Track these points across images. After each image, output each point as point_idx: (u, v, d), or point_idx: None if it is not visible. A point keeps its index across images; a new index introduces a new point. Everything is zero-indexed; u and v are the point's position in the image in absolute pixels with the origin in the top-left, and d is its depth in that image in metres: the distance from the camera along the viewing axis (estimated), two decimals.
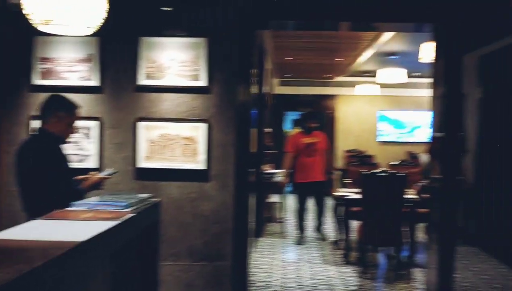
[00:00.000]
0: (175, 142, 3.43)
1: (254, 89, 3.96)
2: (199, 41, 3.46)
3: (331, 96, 11.52)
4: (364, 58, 8.13)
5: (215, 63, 3.43)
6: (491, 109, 6.41)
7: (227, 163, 3.43)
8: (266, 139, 7.57)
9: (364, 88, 10.23)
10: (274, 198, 8.28)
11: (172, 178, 3.45)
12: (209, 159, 3.42)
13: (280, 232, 7.07)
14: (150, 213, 2.35)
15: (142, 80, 3.50)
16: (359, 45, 7.17)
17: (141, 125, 3.48)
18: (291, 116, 13.05)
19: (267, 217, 8.04)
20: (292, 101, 11.55)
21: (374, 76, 8.90)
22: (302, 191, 6.48)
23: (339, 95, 11.49)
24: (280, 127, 11.68)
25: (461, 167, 7.11)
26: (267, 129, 7.71)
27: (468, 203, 6.69)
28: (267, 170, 7.71)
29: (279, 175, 7.51)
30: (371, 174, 4.88)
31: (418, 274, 4.90)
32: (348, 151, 10.62)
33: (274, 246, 6.23)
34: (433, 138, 3.64)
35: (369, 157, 8.93)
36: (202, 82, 3.45)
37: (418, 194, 5.26)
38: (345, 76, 10.89)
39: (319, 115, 6.95)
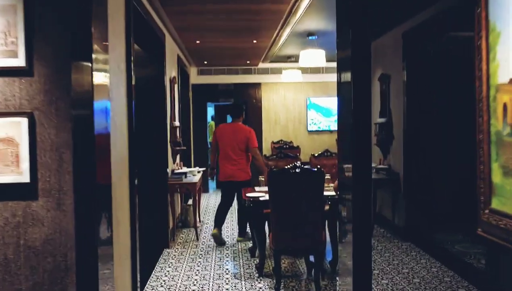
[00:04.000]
0: None
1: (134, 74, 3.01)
2: (13, 2, 2.44)
3: (255, 85, 10.68)
4: (283, 39, 7.33)
5: (41, 32, 2.43)
6: (415, 93, 5.80)
7: (61, 173, 2.44)
8: (174, 134, 6.60)
9: (290, 74, 9.44)
10: (189, 201, 7.37)
11: None
12: (35, 167, 2.42)
13: (194, 240, 6.16)
14: None
15: None
16: (274, 23, 6.33)
17: None
18: (211, 107, 12.16)
19: (182, 222, 7.12)
20: (213, 92, 10.62)
21: (297, 61, 8.14)
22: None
23: (263, 83, 10.68)
24: (202, 120, 10.72)
25: (387, 155, 6.50)
26: (175, 123, 6.74)
27: (395, 194, 6.09)
28: (178, 169, 6.76)
29: (191, 173, 6.59)
30: (279, 170, 4.06)
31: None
32: (275, 143, 9.91)
33: (181, 259, 5.31)
34: (339, 126, 2.89)
35: (294, 148, 8.22)
36: (20, 60, 2.45)
37: (335, 189, 4.53)
38: (268, 62, 10.10)
39: (241, 106, 6.51)
